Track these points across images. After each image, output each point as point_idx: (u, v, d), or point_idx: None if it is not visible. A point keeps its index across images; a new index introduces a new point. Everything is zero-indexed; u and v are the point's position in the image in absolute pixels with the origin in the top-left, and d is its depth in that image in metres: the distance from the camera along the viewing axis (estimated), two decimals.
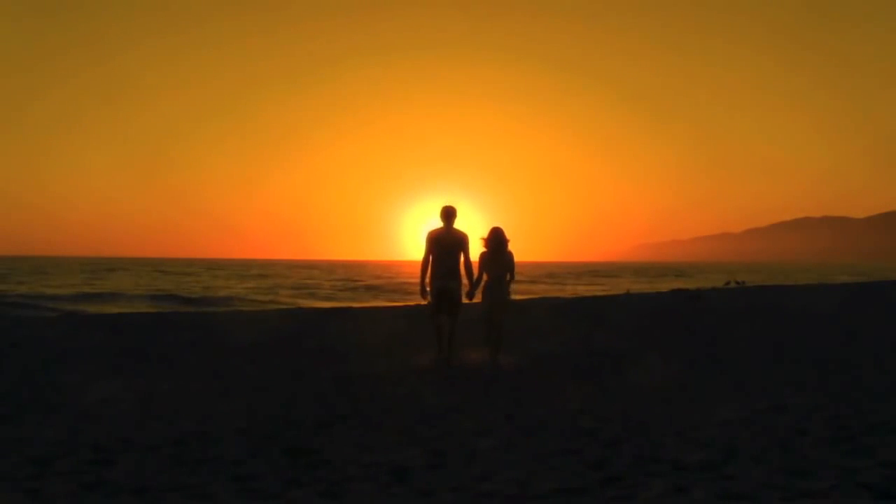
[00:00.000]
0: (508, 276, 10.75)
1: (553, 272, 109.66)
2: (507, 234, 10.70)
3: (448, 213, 10.49)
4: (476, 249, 10.68)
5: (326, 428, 6.83)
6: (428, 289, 10.45)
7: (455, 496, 4.88)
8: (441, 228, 10.44)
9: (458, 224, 10.62)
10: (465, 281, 10.56)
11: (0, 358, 11.78)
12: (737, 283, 56.41)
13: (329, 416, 7.36)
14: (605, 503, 4.71)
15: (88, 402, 8.06)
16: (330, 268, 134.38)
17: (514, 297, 12.24)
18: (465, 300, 10.59)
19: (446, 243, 10.35)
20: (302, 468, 5.53)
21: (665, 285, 59.32)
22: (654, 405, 7.66)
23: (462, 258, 10.43)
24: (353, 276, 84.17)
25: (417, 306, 23.00)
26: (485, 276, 10.73)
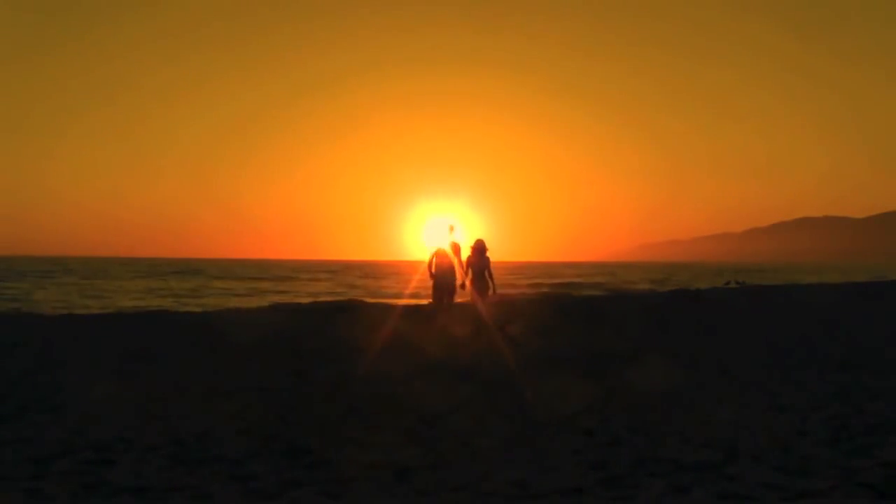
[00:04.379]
0: (487, 273, 14.93)
1: (553, 272, 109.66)
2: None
3: (448, 228, 14.70)
4: (466, 255, 14.96)
5: (326, 428, 6.83)
6: (432, 283, 14.87)
7: (455, 496, 4.88)
8: (440, 248, 14.68)
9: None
10: (459, 273, 14.78)
11: (0, 358, 11.78)
12: (737, 283, 56.37)
13: (329, 416, 7.36)
14: (605, 503, 4.71)
15: (88, 402, 8.05)
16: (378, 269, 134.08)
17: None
18: (459, 288, 14.81)
19: (443, 255, 14.63)
20: (302, 468, 5.53)
21: (665, 285, 59.31)
22: (654, 405, 7.66)
23: (457, 261, 14.67)
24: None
25: (418, 305, 23.10)
26: (470, 272, 14.81)
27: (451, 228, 14.76)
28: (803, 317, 19.63)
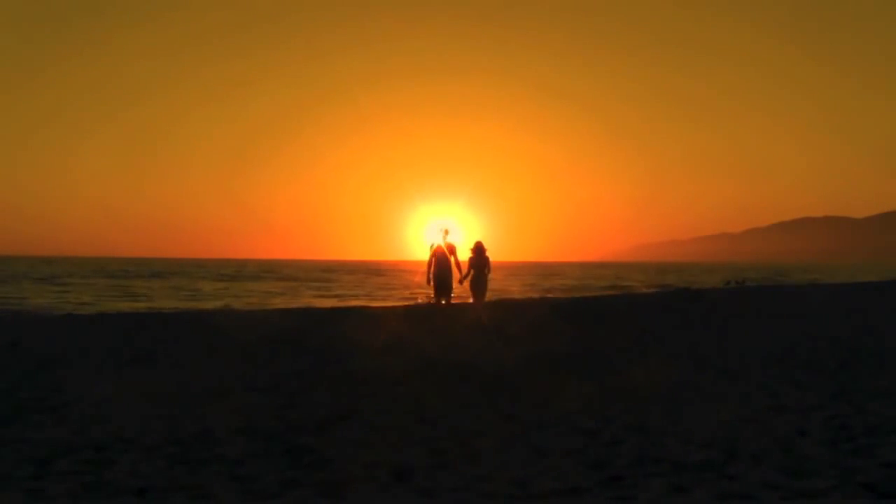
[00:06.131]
0: (486, 271, 16.93)
1: (554, 272, 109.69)
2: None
3: (445, 232, 16.39)
4: (466, 255, 16.75)
5: (326, 428, 6.83)
6: (432, 281, 16.50)
7: (455, 496, 4.88)
8: (438, 244, 16.34)
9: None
10: (456, 273, 16.70)
11: (0, 358, 11.78)
12: (737, 283, 56.40)
13: (329, 416, 7.36)
14: (605, 503, 4.71)
15: (88, 402, 8.06)
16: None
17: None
18: (458, 284, 16.71)
19: (442, 252, 16.34)
20: (302, 468, 5.53)
21: (665, 285, 59.31)
22: (654, 405, 7.66)
23: (453, 260, 16.42)
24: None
25: (417, 305, 23.13)
26: (472, 271, 16.94)
27: (446, 231, 16.47)
28: (803, 316, 19.63)
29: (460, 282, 16.79)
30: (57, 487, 5.09)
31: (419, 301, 25.31)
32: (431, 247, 16.51)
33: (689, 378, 9.42)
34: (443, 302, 17.30)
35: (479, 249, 17.18)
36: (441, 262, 16.88)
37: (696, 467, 5.37)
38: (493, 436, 6.46)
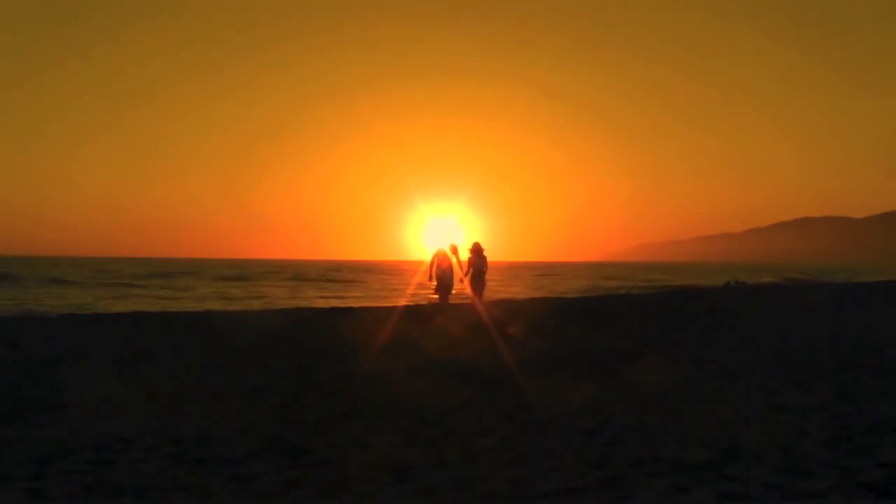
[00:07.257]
0: (484, 269, 17.74)
1: (554, 272, 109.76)
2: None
3: (446, 237, 17.70)
4: (465, 255, 17.49)
5: (326, 428, 6.83)
6: (434, 280, 17.51)
7: (455, 496, 4.88)
8: (440, 249, 17.48)
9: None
10: (458, 271, 17.65)
11: (0, 358, 11.78)
12: (737, 283, 56.40)
13: (329, 416, 7.36)
14: (605, 503, 4.71)
15: (88, 402, 8.06)
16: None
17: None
18: (459, 282, 17.65)
19: (444, 256, 17.32)
20: (302, 468, 5.54)
21: (665, 285, 59.32)
22: (654, 405, 7.65)
23: (456, 260, 17.41)
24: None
25: (417, 305, 23.19)
26: (470, 270, 17.59)
27: (448, 236, 17.54)
28: (803, 316, 19.63)
29: (461, 280, 17.98)
30: (57, 487, 5.09)
31: (421, 302, 25.77)
32: (434, 254, 18.22)
33: (689, 378, 9.42)
34: (444, 298, 18.18)
35: (477, 250, 18.15)
36: (442, 264, 17.88)
37: (696, 467, 5.37)
38: (493, 436, 6.46)
